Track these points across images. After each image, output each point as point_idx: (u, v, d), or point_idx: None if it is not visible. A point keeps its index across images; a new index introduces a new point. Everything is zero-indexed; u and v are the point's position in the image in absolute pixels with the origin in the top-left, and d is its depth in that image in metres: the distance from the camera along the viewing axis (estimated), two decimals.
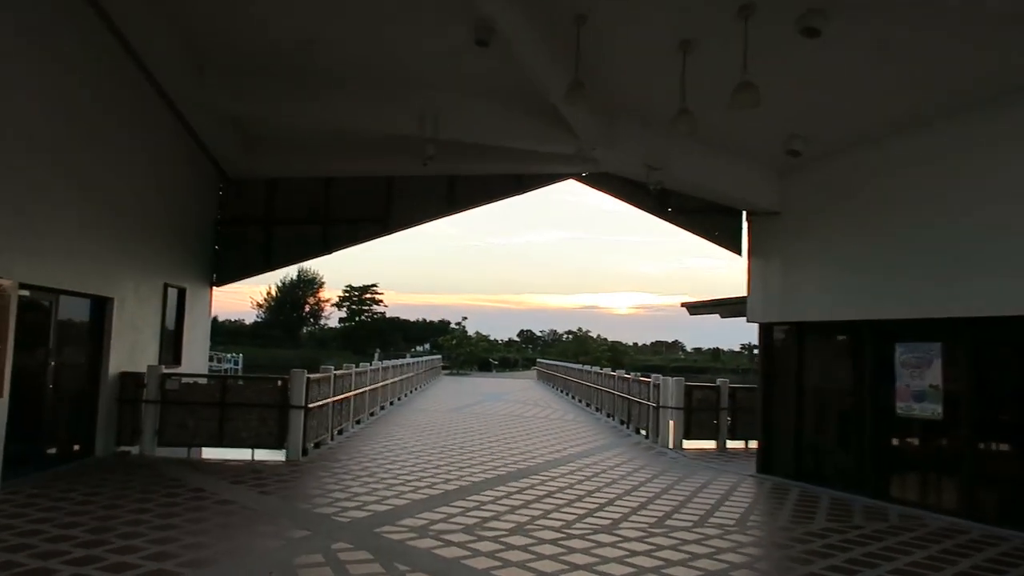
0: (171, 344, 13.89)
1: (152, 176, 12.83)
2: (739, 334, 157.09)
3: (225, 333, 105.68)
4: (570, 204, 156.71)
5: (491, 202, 14.75)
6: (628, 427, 18.81)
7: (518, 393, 32.99)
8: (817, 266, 11.21)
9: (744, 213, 12.72)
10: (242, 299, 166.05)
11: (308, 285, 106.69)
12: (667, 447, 15.35)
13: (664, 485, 10.78)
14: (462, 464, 11.97)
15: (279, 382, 12.16)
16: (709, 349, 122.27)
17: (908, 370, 9.86)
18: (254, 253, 15.55)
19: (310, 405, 12.35)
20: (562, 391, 33.24)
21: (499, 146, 12.90)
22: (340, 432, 15.25)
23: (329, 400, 13.83)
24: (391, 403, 23.36)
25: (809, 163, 11.30)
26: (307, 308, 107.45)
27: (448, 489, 9.81)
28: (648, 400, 16.71)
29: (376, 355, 50.65)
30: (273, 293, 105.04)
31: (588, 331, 71.81)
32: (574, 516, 8.52)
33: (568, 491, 10.03)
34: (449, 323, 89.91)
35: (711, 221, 13.08)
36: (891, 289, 9.97)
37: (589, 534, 7.70)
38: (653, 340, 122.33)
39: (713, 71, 8.94)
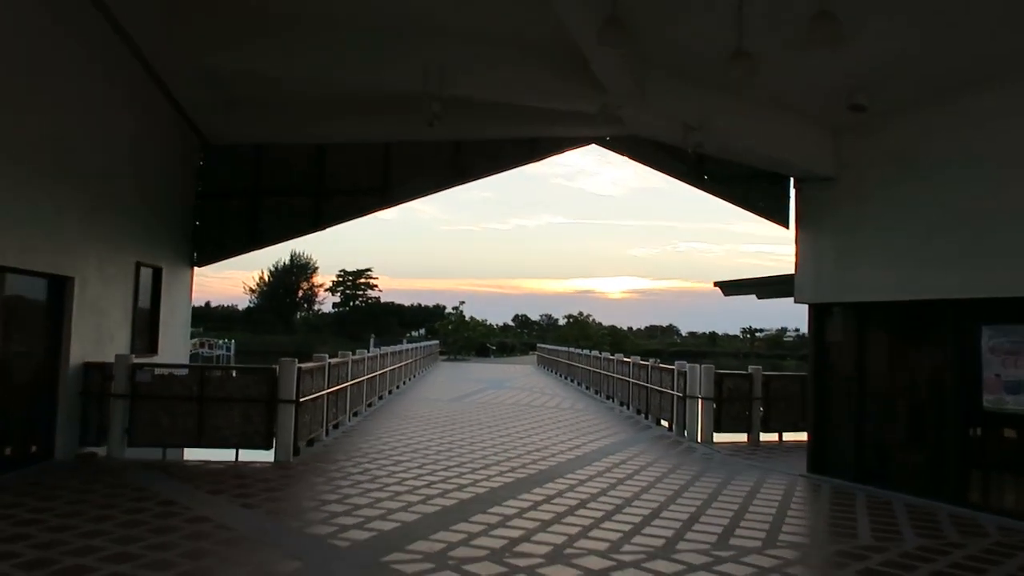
0: (145, 330, 12.39)
1: (120, 138, 11.29)
2: (735, 317, 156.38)
3: (218, 319, 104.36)
4: (564, 188, 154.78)
5: (501, 171, 13.26)
6: (646, 417, 17.43)
7: (520, 380, 31.61)
8: (883, 238, 9.75)
9: (791, 180, 11.27)
10: (235, 284, 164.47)
11: (301, 270, 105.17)
12: (695, 441, 13.97)
13: (709, 490, 9.38)
14: (475, 464, 10.55)
15: (266, 373, 10.69)
16: (704, 333, 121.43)
17: (999, 357, 8.44)
18: (239, 229, 14.03)
19: (302, 399, 10.90)
20: (566, 377, 31.88)
21: (512, 105, 11.40)
22: (336, 426, 13.80)
23: (323, 392, 12.37)
24: (389, 392, 21.92)
25: (874, 120, 9.82)
26: (300, 293, 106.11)
27: (464, 498, 8.39)
28: (672, 389, 15.30)
29: (372, 341, 49.23)
30: (266, 278, 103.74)
31: (589, 315, 70.35)
32: (619, 534, 7.10)
33: (603, 499, 8.62)
34: (444, 308, 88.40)
35: (753, 189, 11.62)
36: (977, 263, 8.54)
37: (644, 561, 6.28)
38: (648, 324, 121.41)
39: (764, 10, 7.53)
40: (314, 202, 13.61)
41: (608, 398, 22.41)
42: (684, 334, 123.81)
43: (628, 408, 19.48)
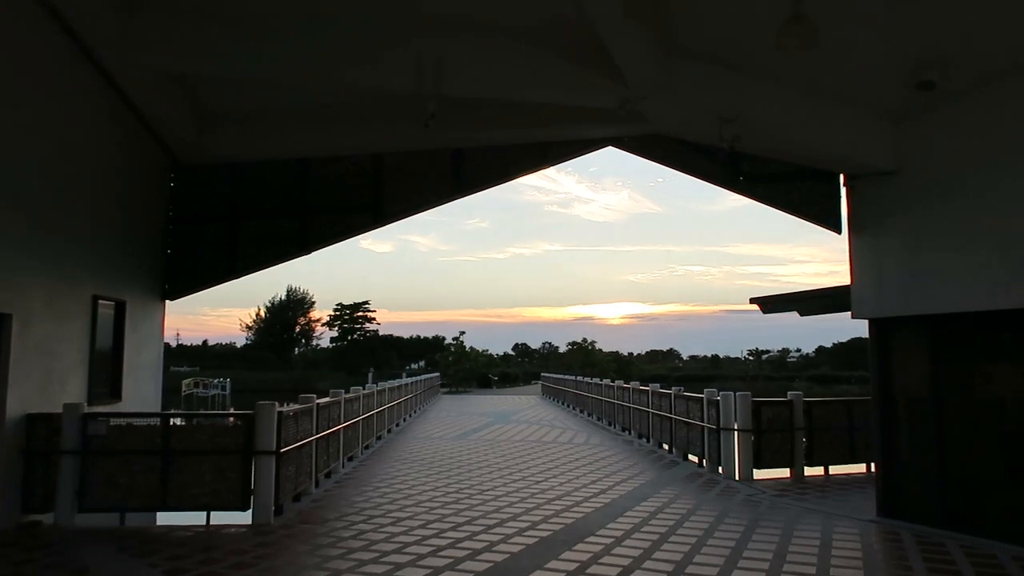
0: (106, 374, 10.85)
1: (73, 154, 9.87)
2: (735, 339, 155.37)
3: (215, 356, 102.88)
4: (559, 216, 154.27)
5: (508, 179, 11.78)
6: (670, 451, 15.86)
7: (527, 412, 29.98)
8: (963, 239, 8.27)
9: (841, 177, 9.85)
10: (233, 321, 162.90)
11: (298, 305, 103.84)
12: (733, 479, 12.40)
13: (773, 545, 7.81)
14: (488, 520, 8.97)
15: (241, 420, 9.15)
16: (705, 356, 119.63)
17: None
18: (216, 256, 12.55)
19: (285, 448, 9.35)
20: (573, 408, 30.26)
21: (518, 103, 10.03)
22: (328, 475, 12.24)
23: (311, 438, 10.83)
24: (388, 431, 20.33)
25: (945, 102, 8.44)
26: (298, 328, 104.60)
27: (479, 571, 6.82)
28: (701, 420, 13.75)
29: (370, 375, 47.51)
30: (262, 314, 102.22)
31: (593, 341, 68.66)
32: None
33: (650, 565, 7.05)
34: (444, 339, 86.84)
35: (796, 190, 10.17)
36: None
37: None
38: (648, 349, 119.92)
39: None
40: (299, 223, 12.14)
41: (624, 430, 20.83)
42: (685, 358, 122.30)
43: (648, 441, 17.91)
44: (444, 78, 8.93)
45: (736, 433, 12.61)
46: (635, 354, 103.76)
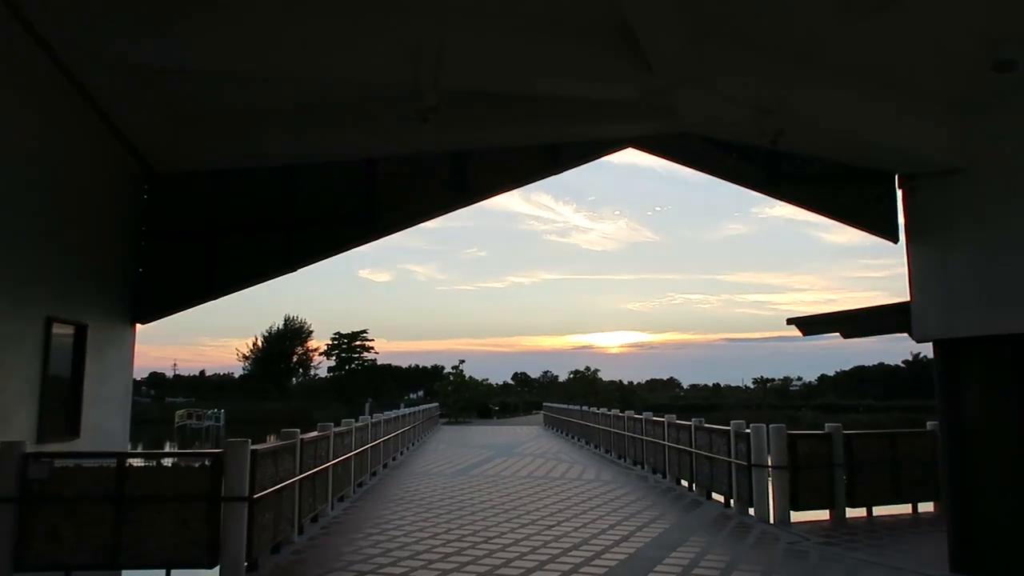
0: (61, 407, 9.57)
1: (18, 156, 8.69)
2: (736, 366, 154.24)
3: (212, 387, 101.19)
4: (557, 245, 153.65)
5: (516, 186, 10.56)
6: (690, 488, 14.52)
7: (530, 444, 28.55)
8: None
9: (896, 179, 8.67)
10: (231, 351, 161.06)
11: (295, 334, 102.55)
12: (766, 522, 11.07)
13: None
14: None
15: (209, 460, 7.86)
16: (706, 385, 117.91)
17: None
18: (192, 274, 11.32)
19: (260, 493, 8.05)
20: (579, 439, 28.85)
21: (527, 98, 8.88)
22: (315, 519, 10.91)
23: (294, 479, 9.53)
24: (384, 466, 18.97)
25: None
26: (295, 358, 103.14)
27: None
28: (728, 456, 12.43)
29: (367, 406, 45.98)
30: (259, 344, 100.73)
31: (597, 370, 67.11)
32: None
33: None
34: (443, 368, 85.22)
35: (844, 193, 8.97)
36: None
37: None
38: (648, 378, 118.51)
39: None
40: (284, 237, 10.92)
41: (636, 464, 19.47)
42: (686, 386, 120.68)
43: (664, 476, 16.56)
44: (444, 66, 7.79)
45: (770, 470, 11.30)
46: (635, 383, 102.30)
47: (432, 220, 11.20)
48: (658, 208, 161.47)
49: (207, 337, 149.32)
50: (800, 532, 10.39)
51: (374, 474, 17.07)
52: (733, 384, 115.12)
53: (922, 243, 8.35)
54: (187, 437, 58.96)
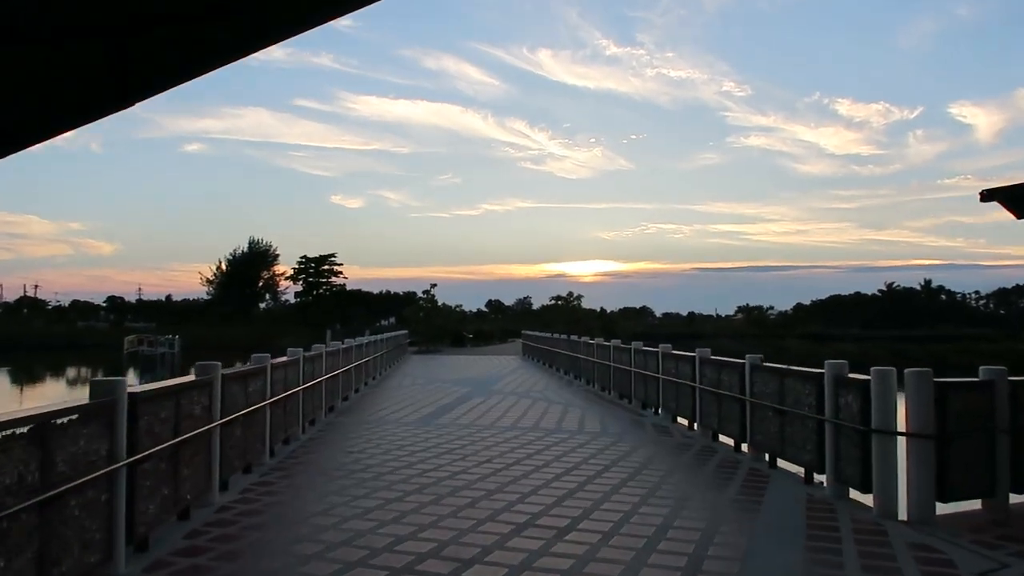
0: None
1: None
2: (707, 296, 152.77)
3: (175, 313, 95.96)
4: (532, 172, 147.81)
5: None
6: (738, 450, 10.63)
7: (510, 378, 24.59)
8: None
9: None
10: (193, 276, 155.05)
11: (261, 258, 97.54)
12: (894, 517, 7.11)
13: None
14: None
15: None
16: (679, 314, 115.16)
17: None
18: None
19: (145, 452, 3.79)
20: (567, 373, 24.99)
21: None
22: (185, 513, 6.70)
23: (212, 425, 5.32)
24: (332, 408, 14.87)
25: None
26: (261, 283, 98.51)
27: None
28: (817, 412, 8.36)
29: (328, 334, 41.73)
30: (223, 267, 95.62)
31: (580, 295, 63.31)
32: None
33: None
34: (415, 295, 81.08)
35: None
36: None
37: None
38: (622, 306, 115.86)
39: None
40: (115, 46, 6.40)
41: (646, 407, 15.60)
42: (659, 315, 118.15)
43: (694, 427, 12.64)
44: None
45: (905, 439, 7.23)
46: (608, 311, 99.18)
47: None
48: (634, 136, 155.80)
49: (177, 262, 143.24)
50: (962, 542, 6.40)
51: (312, 423, 12.94)
52: (706, 313, 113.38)
53: None
54: (140, 364, 54.66)
